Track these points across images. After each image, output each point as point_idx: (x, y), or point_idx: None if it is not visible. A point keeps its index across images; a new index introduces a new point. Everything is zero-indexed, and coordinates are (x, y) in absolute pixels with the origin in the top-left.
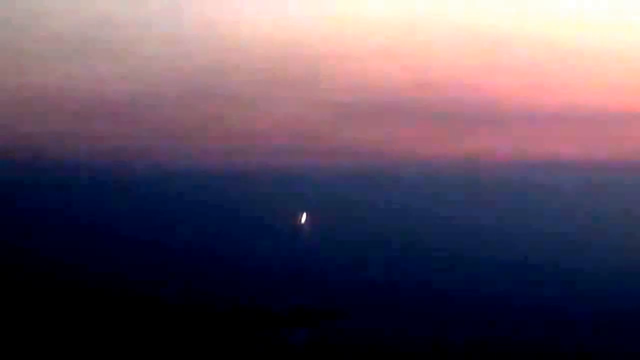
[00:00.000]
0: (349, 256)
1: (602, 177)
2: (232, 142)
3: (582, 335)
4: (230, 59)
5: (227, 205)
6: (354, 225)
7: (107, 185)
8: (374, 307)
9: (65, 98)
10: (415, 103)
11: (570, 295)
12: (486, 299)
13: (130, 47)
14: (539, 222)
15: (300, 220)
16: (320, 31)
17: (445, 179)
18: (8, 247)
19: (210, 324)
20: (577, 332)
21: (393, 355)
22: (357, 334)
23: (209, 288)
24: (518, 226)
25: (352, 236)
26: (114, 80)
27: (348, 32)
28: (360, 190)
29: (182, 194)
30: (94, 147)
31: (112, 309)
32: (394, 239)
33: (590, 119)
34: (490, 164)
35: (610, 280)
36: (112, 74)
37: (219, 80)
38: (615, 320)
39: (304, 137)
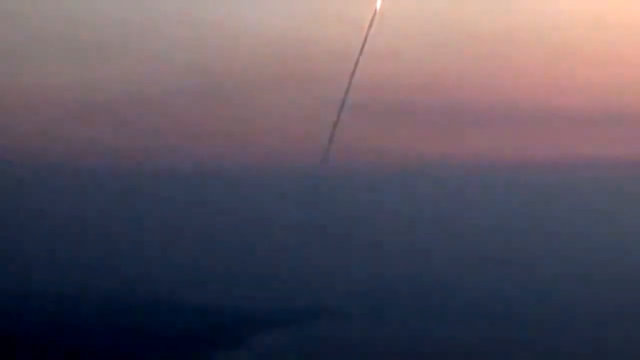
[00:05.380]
0: (350, 256)
1: (602, 177)
2: (232, 142)
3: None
4: (231, 59)
5: (227, 206)
6: (354, 225)
7: (107, 185)
8: (373, 307)
9: (65, 98)
10: (416, 103)
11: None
12: (488, 299)
13: (131, 47)
14: (541, 223)
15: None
16: (320, 30)
17: (446, 179)
18: (7, 248)
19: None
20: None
21: (393, 355)
22: (357, 334)
23: (203, 287)
24: (519, 226)
25: (352, 236)
26: (114, 81)
27: (348, 32)
28: (360, 190)
29: (182, 194)
30: (94, 147)
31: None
32: (395, 238)
33: (592, 118)
34: (491, 164)
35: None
36: (112, 74)
37: (219, 80)
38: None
39: (305, 136)
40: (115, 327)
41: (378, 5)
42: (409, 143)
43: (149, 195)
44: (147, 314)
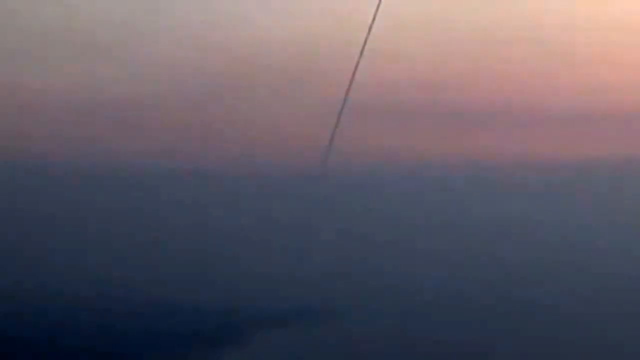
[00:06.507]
0: (350, 256)
1: (601, 177)
2: (232, 142)
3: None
4: (232, 60)
5: (228, 206)
6: (353, 225)
7: (107, 185)
8: (373, 307)
9: (65, 98)
10: (416, 103)
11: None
12: (488, 299)
13: (132, 48)
14: (541, 223)
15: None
16: (321, 31)
17: (446, 179)
18: (7, 248)
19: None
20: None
21: (392, 355)
22: (356, 334)
23: (202, 287)
24: (519, 227)
25: (352, 236)
26: (115, 82)
27: (348, 32)
28: (360, 190)
29: (182, 194)
30: (94, 147)
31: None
32: (395, 238)
33: (591, 119)
34: (491, 164)
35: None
36: (113, 75)
37: (219, 81)
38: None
39: (305, 137)
40: (116, 327)
41: (379, 6)
42: (409, 143)
43: (149, 195)
44: (148, 314)
